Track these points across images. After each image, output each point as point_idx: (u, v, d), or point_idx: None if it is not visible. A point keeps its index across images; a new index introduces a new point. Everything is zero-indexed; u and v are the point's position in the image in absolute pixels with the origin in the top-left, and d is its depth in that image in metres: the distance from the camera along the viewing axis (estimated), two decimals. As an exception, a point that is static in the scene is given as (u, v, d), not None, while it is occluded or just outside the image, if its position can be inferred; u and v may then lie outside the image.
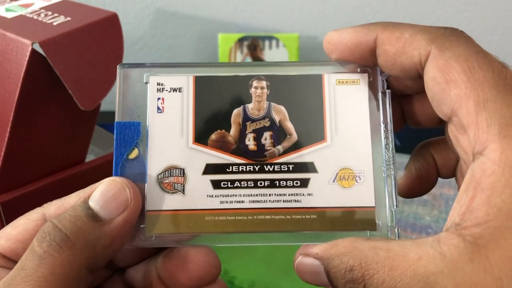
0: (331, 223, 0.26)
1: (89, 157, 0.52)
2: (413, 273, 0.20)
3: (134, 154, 0.26)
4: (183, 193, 0.26)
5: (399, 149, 0.33)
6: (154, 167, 0.26)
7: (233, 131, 0.27)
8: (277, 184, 0.26)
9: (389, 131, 0.27)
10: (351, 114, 0.27)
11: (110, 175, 0.26)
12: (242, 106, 0.27)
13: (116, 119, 0.27)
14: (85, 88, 0.43)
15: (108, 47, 0.45)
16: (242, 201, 0.26)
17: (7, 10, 0.46)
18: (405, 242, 0.21)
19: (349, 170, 0.26)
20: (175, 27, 0.79)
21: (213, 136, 0.27)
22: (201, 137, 0.27)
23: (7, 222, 0.26)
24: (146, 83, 0.27)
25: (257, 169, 0.27)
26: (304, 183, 0.26)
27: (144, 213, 0.26)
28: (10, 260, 0.25)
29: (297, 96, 0.27)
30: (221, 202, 0.26)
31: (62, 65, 0.41)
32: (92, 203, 0.24)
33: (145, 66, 0.27)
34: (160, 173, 0.26)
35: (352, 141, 0.27)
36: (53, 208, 0.25)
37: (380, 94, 0.27)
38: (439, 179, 0.29)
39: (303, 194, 0.26)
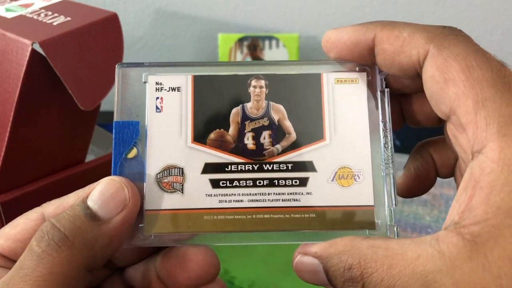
0: (330, 222, 0.26)
1: (89, 157, 0.52)
2: (411, 272, 0.20)
3: (132, 153, 0.26)
4: (182, 193, 0.26)
5: (398, 149, 0.33)
6: (153, 166, 0.26)
7: (232, 130, 0.27)
8: (276, 183, 0.26)
9: (388, 130, 0.27)
10: (350, 113, 0.27)
11: (110, 175, 0.26)
12: (241, 105, 0.27)
13: (115, 118, 0.27)
14: (85, 88, 0.43)
15: (108, 47, 0.45)
16: (241, 200, 0.26)
17: (7, 10, 0.46)
18: (404, 240, 0.21)
19: (348, 169, 0.26)
20: (175, 27, 0.79)
21: (212, 135, 0.27)
22: (200, 136, 0.27)
23: (7, 222, 0.26)
24: (145, 82, 0.27)
25: (256, 168, 0.27)
26: (303, 182, 0.26)
27: (143, 212, 0.26)
28: (9, 260, 0.25)
29: (296, 95, 0.27)
30: (220, 201, 0.26)
31: (62, 65, 0.41)
32: (91, 203, 0.24)
33: (144, 65, 0.27)
34: (159, 173, 0.26)
35: (351, 140, 0.27)
36: (52, 207, 0.25)
37: (379, 93, 0.27)
38: (439, 179, 0.29)
39: (302, 193, 0.26)
